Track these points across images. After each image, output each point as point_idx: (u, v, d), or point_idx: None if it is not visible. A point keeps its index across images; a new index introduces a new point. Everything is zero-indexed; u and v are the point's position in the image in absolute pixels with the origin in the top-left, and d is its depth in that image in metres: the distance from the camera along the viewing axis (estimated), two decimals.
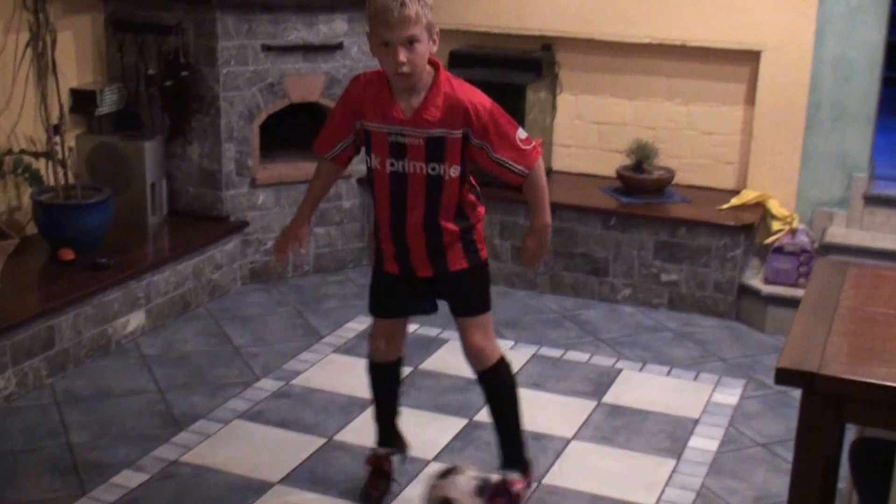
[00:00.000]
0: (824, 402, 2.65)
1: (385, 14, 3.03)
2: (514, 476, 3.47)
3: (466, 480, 3.27)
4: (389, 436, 3.67)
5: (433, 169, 3.18)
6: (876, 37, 5.22)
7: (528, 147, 3.21)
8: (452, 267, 3.32)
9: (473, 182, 3.33)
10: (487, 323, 3.40)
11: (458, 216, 3.28)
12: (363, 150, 3.32)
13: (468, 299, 3.38)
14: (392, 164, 3.21)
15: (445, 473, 3.33)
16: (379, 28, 3.06)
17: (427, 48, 3.10)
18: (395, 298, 3.46)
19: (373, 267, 3.50)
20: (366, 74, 3.26)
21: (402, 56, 3.04)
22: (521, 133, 3.21)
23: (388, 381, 3.61)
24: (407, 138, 3.17)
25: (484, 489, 3.30)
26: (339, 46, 5.47)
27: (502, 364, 3.43)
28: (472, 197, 3.32)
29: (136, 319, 4.77)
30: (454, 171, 3.19)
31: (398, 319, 3.51)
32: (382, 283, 3.46)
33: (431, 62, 3.16)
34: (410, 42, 3.04)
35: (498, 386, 3.45)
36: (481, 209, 3.36)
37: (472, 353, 3.39)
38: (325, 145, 3.38)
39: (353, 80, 3.30)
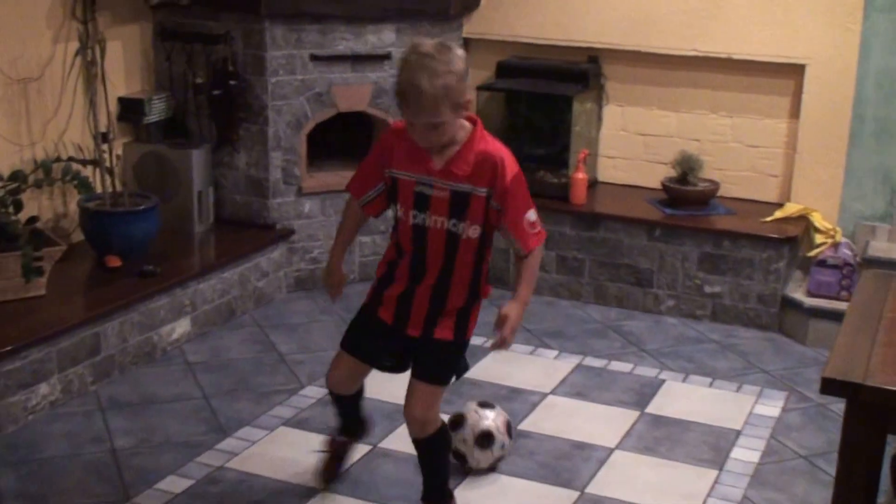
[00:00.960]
0: (868, 413, 2.65)
1: (406, 98, 2.99)
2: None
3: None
4: (353, 428, 3.73)
5: (454, 225, 3.14)
6: None
7: (532, 231, 3.17)
8: (437, 334, 3.26)
9: (488, 258, 3.27)
10: (438, 395, 3.32)
11: (470, 290, 3.25)
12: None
13: (433, 366, 3.31)
14: (415, 217, 3.17)
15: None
16: (402, 106, 3.04)
17: (454, 123, 3.04)
18: (375, 345, 3.39)
19: (363, 306, 3.41)
20: (401, 126, 3.17)
21: (426, 137, 3.04)
22: (531, 215, 3.16)
23: (350, 405, 3.64)
24: (433, 190, 3.12)
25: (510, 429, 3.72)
26: (388, 56, 5.51)
27: (439, 433, 3.39)
28: (485, 270, 3.27)
29: (182, 327, 4.82)
30: (473, 232, 3.14)
31: (358, 364, 3.44)
32: (369, 325, 3.37)
33: (469, 119, 3.12)
34: (434, 126, 3.01)
35: (434, 451, 3.45)
36: (488, 288, 3.32)
37: (412, 421, 3.34)
38: (357, 189, 3.35)
39: (389, 129, 3.28)
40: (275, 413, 4.22)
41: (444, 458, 3.50)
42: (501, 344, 3.19)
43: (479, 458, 3.75)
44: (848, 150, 5.38)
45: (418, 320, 3.26)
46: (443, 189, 3.11)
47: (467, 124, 3.11)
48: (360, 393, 3.63)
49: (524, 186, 3.15)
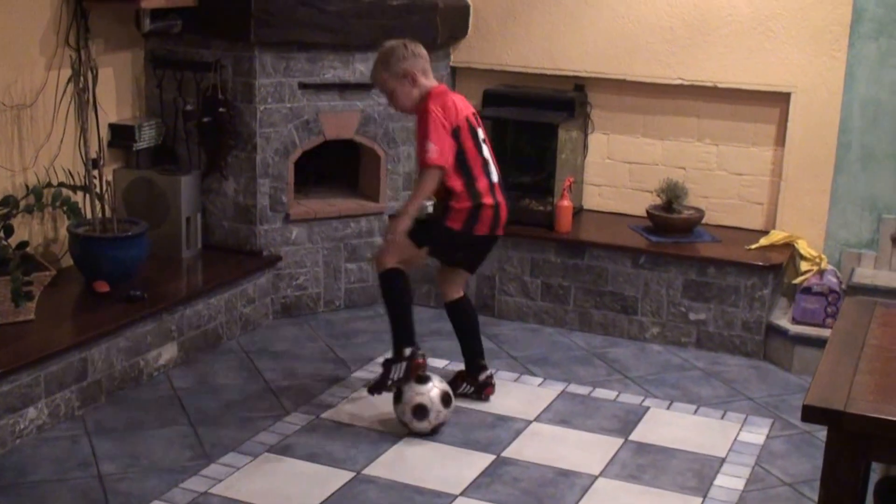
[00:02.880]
0: (850, 440, 2.66)
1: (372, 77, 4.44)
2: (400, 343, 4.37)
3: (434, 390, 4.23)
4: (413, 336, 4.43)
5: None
6: None
7: (425, 154, 4.22)
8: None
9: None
10: (395, 245, 4.33)
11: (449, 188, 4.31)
12: None
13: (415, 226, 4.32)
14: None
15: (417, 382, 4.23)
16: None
17: (408, 92, 4.32)
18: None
19: None
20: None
21: (389, 102, 4.44)
22: (429, 146, 4.20)
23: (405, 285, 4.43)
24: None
25: (448, 399, 4.26)
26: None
27: (388, 277, 4.35)
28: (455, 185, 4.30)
29: (168, 352, 4.83)
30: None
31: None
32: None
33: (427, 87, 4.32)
34: (383, 93, 4.43)
35: (383, 289, 4.42)
36: (458, 204, 4.32)
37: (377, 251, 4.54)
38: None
39: None
40: (259, 439, 4.22)
41: (396, 304, 4.39)
42: (386, 241, 4.44)
43: (418, 426, 4.23)
44: (833, 177, 5.43)
45: None
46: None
47: (417, 89, 4.31)
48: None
49: (428, 120, 4.21)
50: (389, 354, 4.43)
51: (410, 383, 4.27)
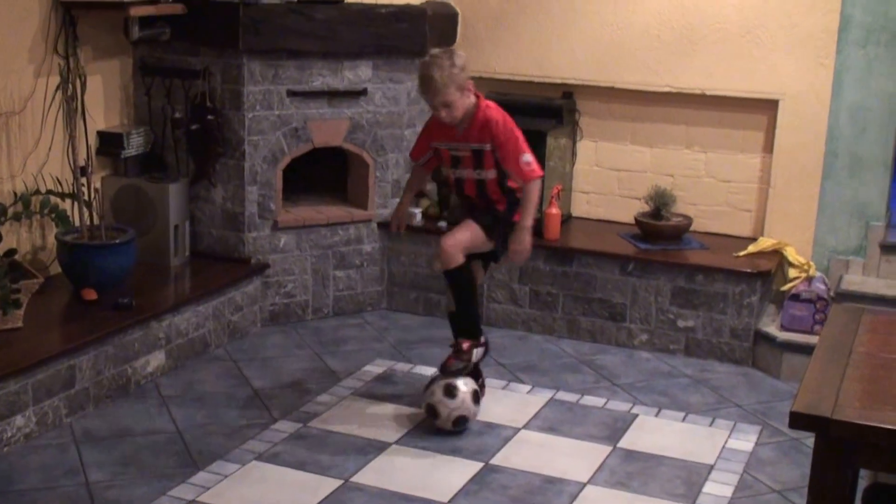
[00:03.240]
0: (837, 447, 2.67)
1: (421, 84, 4.27)
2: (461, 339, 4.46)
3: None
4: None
5: (478, 175, 4.37)
6: (893, 87, 5.27)
7: (527, 168, 4.28)
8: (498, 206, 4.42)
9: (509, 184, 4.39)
10: (464, 238, 4.33)
11: (507, 205, 4.42)
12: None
13: (475, 216, 4.39)
14: (454, 172, 4.44)
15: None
16: (420, 91, 4.33)
17: (462, 103, 4.23)
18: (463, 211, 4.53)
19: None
20: None
21: (444, 114, 4.25)
22: (526, 157, 4.29)
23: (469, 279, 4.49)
24: (460, 151, 4.36)
25: (477, 396, 4.37)
26: (364, 92, 5.55)
27: (458, 271, 4.35)
28: (510, 189, 4.40)
29: (156, 360, 4.81)
30: (492, 174, 4.35)
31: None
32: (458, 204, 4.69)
33: (476, 96, 4.29)
34: (444, 105, 4.20)
35: (452, 284, 4.42)
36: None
37: (441, 248, 4.33)
38: (414, 153, 4.64)
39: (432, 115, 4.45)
40: (247, 447, 4.21)
41: (468, 298, 4.46)
42: (514, 259, 4.45)
43: (449, 404, 4.30)
44: (821, 184, 5.45)
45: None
46: (465, 150, 4.35)
47: (472, 99, 4.27)
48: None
49: (513, 136, 4.29)
50: (462, 343, 4.46)
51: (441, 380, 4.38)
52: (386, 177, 5.74)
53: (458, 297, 4.46)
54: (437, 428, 4.35)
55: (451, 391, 4.31)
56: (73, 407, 4.36)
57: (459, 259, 4.35)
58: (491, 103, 4.37)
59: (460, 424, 4.34)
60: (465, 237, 4.36)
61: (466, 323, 4.50)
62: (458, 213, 4.82)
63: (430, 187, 5.96)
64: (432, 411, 4.34)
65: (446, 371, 4.39)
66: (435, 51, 4.34)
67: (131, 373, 4.67)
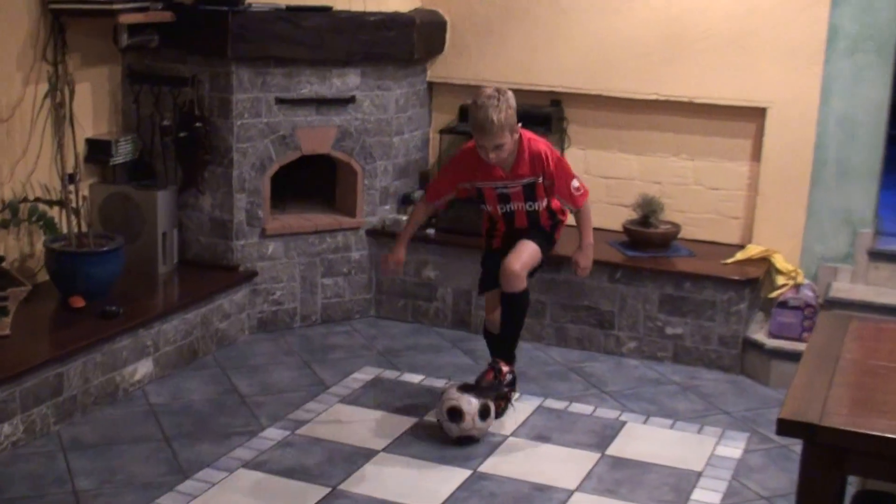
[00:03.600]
0: (825, 454, 2.67)
1: (478, 127, 4.25)
2: (501, 360, 4.58)
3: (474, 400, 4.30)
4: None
5: (530, 206, 4.48)
6: (881, 95, 5.29)
7: (577, 194, 4.44)
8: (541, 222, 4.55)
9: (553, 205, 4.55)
10: (529, 258, 4.46)
11: (551, 221, 4.60)
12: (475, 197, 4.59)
13: (529, 235, 4.49)
14: (502, 208, 4.50)
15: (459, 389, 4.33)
16: (475, 133, 4.31)
17: (510, 143, 4.29)
18: (498, 259, 4.50)
19: (485, 253, 4.68)
20: (472, 146, 4.40)
21: (493, 156, 4.30)
22: (575, 183, 4.43)
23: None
24: (508, 189, 4.43)
25: (485, 412, 4.33)
26: (352, 100, 5.55)
27: (525, 294, 4.48)
28: (555, 209, 4.57)
29: (144, 367, 4.80)
30: (543, 204, 4.49)
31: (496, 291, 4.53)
32: (489, 257, 4.62)
33: (518, 132, 4.33)
34: (497, 147, 4.25)
35: (516, 307, 4.51)
36: (563, 217, 4.64)
37: (505, 274, 4.42)
38: (433, 196, 4.62)
39: (464, 151, 4.51)
40: (235, 455, 4.20)
41: (521, 321, 4.59)
42: (582, 274, 4.62)
43: (449, 427, 4.32)
44: (809, 192, 5.46)
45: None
46: (515, 186, 4.42)
47: (518, 136, 4.34)
48: None
49: (563, 165, 4.45)
50: (502, 365, 4.59)
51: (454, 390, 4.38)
52: (374, 184, 5.74)
53: (518, 320, 4.57)
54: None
55: (455, 414, 4.29)
56: (60, 415, 4.34)
57: (525, 282, 4.47)
58: (531, 134, 4.43)
59: (467, 443, 4.33)
60: (528, 259, 4.47)
61: (512, 347, 4.67)
62: (490, 269, 4.68)
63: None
64: (441, 427, 4.38)
65: (479, 386, 4.45)
66: (487, 91, 4.30)
67: (119, 380, 4.65)
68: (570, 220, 5.94)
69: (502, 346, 4.64)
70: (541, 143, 4.42)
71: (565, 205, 4.52)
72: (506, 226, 4.58)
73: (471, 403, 4.29)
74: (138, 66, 5.43)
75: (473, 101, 4.31)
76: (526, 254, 4.47)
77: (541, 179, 4.41)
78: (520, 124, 4.37)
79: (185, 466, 4.09)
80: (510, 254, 4.48)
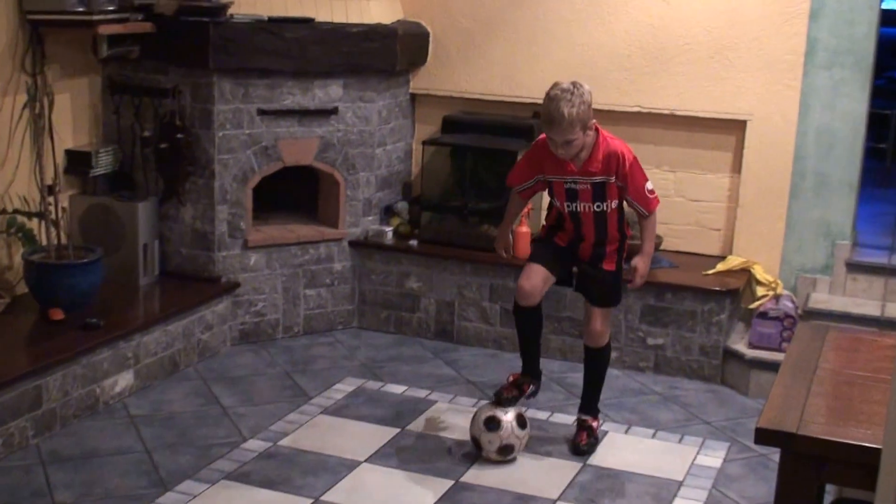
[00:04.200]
0: (802, 462, 2.69)
1: (548, 120, 4.08)
2: (590, 417, 4.52)
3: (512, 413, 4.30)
4: (531, 369, 4.49)
5: (598, 206, 4.25)
6: (858, 108, 5.33)
7: (651, 197, 4.26)
8: (605, 266, 4.35)
9: (624, 213, 4.34)
10: (609, 314, 4.44)
11: (619, 236, 4.35)
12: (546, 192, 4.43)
13: (605, 295, 4.38)
14: (569, 206, 4.29)
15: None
16: (545, 127, 4.13)
17: (581, 140, 4.11)
18: (554, 255, 4.36)
19: (541, 238, 4.48)
20: (544, 140, 4.22)
21: (561, 151, 4.13)
22: (649, 185, 4.27)
23: (530, 327, 4.46)
24: (578, 185, 4.23)
25: (523, 422, 4.31)
26: (335, 111, 5.56)
27: (608, 346, 4.48)
28: (624, 219, 4.36)
29: (125, 380, 4.78)
30: (613, 205, 4.27)
31: (547, 272, 4.32)
32: (549, 245, 4.41)
33: (593, 128, 4.16)
34: (566, 142, 4.08)
35: (601, 360, 4.49)
36: (629, 230, 4.48)
37: (591, 334, 4.39)
38: (514, 181, 4.46)
39: (536, 143, 4.34)
40: (216, 466, 4.19)
41: (605, 369, 4.54)
42: (636, 286, 4.40)
43: (487, 437, 4.27)
44: (789, 204, 5.49)
45: (586, 255, 4.37)
46: (584, 183, 4.22)
47: (592, 132, 4.15)
48: (537, 320, 4.46)
49: (638, 166, 4.25)
50: (592, 423, 4.53)
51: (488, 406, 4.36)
52: (357, 195, 5.75)
53: (603, 373, 4.53)
54: (482, 457, 4.33)
55: (493, 423, 4.27)
56: (39, 428, 4.32)
57: (608, 335, 4.46)
58: (607, 133, 4.24)
59: (506, 453, 4.29)
60: (608, 314, 4.43)
61: (597, 400, 4.57)
62: (546, 249, 4.45)
63: (402, 205, 5.97)
64: (475, 443, 4.33)
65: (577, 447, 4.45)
66: (563, 84, 4.10)
67: (99, 393, 4.63)
68: None
69: (588, 400, 4.54)
70: (617, 143, 4.23)
71: (637, 208, 4.27)
72: (574, 230, 4.35)
73: (506, 412, 4.28)
74: (119, 76, 5.42)
75: (547, 93, 4.12)
76: (607, 312, 4.41)
77: (613, 179, 4.19)
78: (594, 121, 4.17)
79: (166, 478, 4.08)
80: (593, 313, 4.38)
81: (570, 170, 4.21)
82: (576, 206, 4.28)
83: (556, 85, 4.12)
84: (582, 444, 4.43)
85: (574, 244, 4.38)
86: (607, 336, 4.45)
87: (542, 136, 4.25)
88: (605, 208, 4.26)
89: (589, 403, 4.54)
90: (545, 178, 4.32)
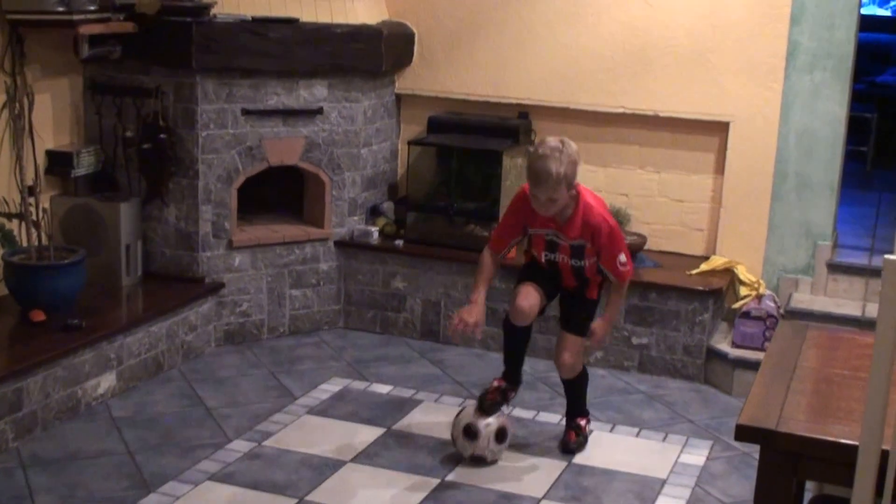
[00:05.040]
0: (782, 459, 2.70)
1: (534, 177, 4.03)
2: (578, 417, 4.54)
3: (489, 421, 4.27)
4: (513, 376, 4.44)
5: (576, 262, 4.24)
6: (838, 111, 5.35)
7: (623, 269, 4.22)
8: (588, 294, 4.36)
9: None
10: (580, 346, 4.36)
11: (600, 275, 4.30)
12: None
13: (580, 322, 4.33)
14: (546, 255, 4.28)
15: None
16: (530, 182, 4.07)
17: (566, 198, 4.07)
18: (542, 278, 4.33)
19: (526, 263, 4.44)
20: (526, 190, 4.15)
21: (544, 208, 4.07)
22: (622, 258, 4.21)
23: (519, 343, 4.44)
24: (559, 240, 4.21)
25: (502, 436, 4.30)
26: (319, 111, 5.56)
27: (581, 375, 4.47)
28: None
29: (107, 381, 4.77)
30: (590, 261, 4.23)
31: (541, 293, 4.29)
32: (535, 268, 4.37)
33: (576, 189, 4.11)
34: (551, 200, 4.03)
35: (579, 384, 4.50)
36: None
37: (563, 367, 4.38)
38: (499, 245, 4.33)
39: (518, 195, 4.26)
40: (200, 468, 4.18)
41: (584, 388, 4.56)
42: (593, 348, 4.57)
43: (463, 445, 4.29)
44: (771, 205, 5.51)
45: (570, 285, 4.37)
46: (565, 241, 4.20)
47: (575, 193, 4.11)
48: (528, 335, 4.44)
49: (616, 238, 4.21)
50: (580, 421, 4.56)
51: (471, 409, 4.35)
52: (342, 195, 5.74)
53: (582, 392, 4.55)
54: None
55: (471, 432, 4.27)
56: (20, 430, 4.29)
57: (581, 365, 4.46)
58: (588, 196, 4.18)
59: (478, 463, 4.30)
60: (579, 346, 4.36)
61: (583, 405, 4.58)
62: (535, 272, 4.41)
63: (388, 205, 5.97)
64: (454, 442, 4.35)
65: (567, 445, 4.49)
66: (551, 142, 4.06)
67: (81, 394, 4.61)
68: None
69: (574, 409, 4.54)
70: (596, 213, 4.15)
71: (608, 276, 4.24)
72: (550, 274, 4.33)
73: (488, 425, 4.26)
74: (100, 77, 5.40)
75: (535, 149, 4.10)
76: (578, 342, 4.35)
77: (589, 245, 4.17)
78: (577, 182, 4.12)
79: (150, 480, 4.06)
80: (565, 342, 4.35)
81: (554, 224, 4.18)
82: (554, 257, 4.28)
83: (543, 142, 4.09)
84: (571, 442, 4.45)
85: (556, 278, 4.37)
86: (580, 366, 4.43)
87: (522, 188, 4.21)
88: (583, 265, 4.25)
89: (574, 411, 4.56)
90: (528, 230, 4.28)
